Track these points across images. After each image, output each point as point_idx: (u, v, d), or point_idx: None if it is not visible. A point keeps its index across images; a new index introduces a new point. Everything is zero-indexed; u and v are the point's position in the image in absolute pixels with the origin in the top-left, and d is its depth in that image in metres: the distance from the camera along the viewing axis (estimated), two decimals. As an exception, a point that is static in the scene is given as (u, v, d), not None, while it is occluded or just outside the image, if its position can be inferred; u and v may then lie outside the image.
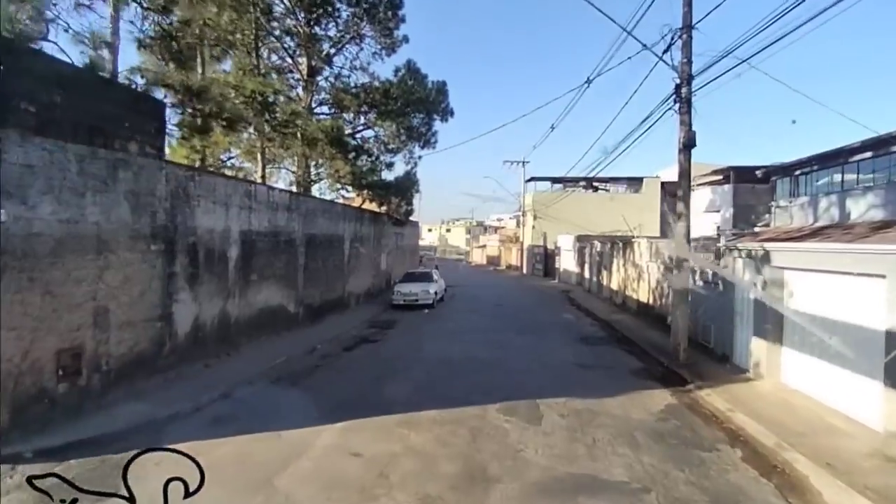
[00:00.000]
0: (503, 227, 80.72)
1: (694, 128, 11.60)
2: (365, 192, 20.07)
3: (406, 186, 22.32)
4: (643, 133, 13.01)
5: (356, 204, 22.54)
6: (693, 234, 26.46)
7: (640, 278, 18.01)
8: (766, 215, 29.73)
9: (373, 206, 22.87)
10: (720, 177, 37.93)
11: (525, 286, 32.85)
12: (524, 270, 45.80)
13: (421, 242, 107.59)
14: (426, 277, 21.31)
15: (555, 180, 46.09)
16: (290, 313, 13.74)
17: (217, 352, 10.21)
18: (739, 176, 32.40)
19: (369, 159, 20.72)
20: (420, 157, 23.20)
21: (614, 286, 21.85)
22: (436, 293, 20.51)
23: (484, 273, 50.71)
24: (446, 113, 21.89)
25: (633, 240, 19.88)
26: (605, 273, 23.93)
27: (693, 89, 11.43)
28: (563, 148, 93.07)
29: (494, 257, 68.88)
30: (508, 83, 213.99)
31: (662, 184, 46.44)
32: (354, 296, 19.35)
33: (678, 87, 11.49)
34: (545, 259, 41.81)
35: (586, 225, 37.84)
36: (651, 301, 16.80)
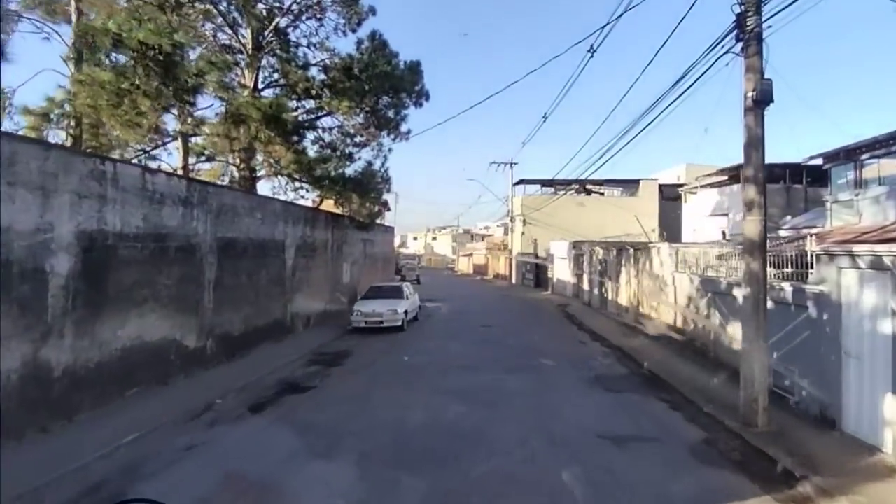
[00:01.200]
0: (490, 235, 77.15)
1: (763, 78, 7.87)
2: (320, 188, 16.13)
3: (371, 182, 18.37)
4: (682, 95, 9.24)
5: (323, 207, 18.61)
6: (698, 239, 21.71)
7: (661, 292, 14.31)
8: (788, 217, 26.39)
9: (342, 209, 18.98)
10: (725, 177, 34.78)
11: (515, 299, 29.05)
12: (513, 280, 42.09)
13: (405, 251, 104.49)
14: (395, 293, 17.39)
15: (545, 183, 42.53)
16: (188, 349, 9.73)
17: (22, 427, 6.22)
18: (753, 174, 29.03)
19: (325, 149, 16.85)
20: (391, 150, 19.39)
21: (623, 301, 18.14)
22: (406, 313, 16.59)
23: (470, 283, 46.85)
24: (420, 95, 18.05)
25: (651, 245, 16.20)
26: (610, 285, 20.23)
27: (764, 20, 7.76)
28: (553, 150, 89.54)
29: (481, 266, 65.11)
30: (499, 72, 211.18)
31: (660, 186, 43.21)
32: (303, 317, 15.37)
33: (741, 17, 7.81)
34: (536, 268, 38.13)
35: (580, 230, 34.30)
36: (679, 322, 13.08)
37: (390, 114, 17.41)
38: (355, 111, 15.91)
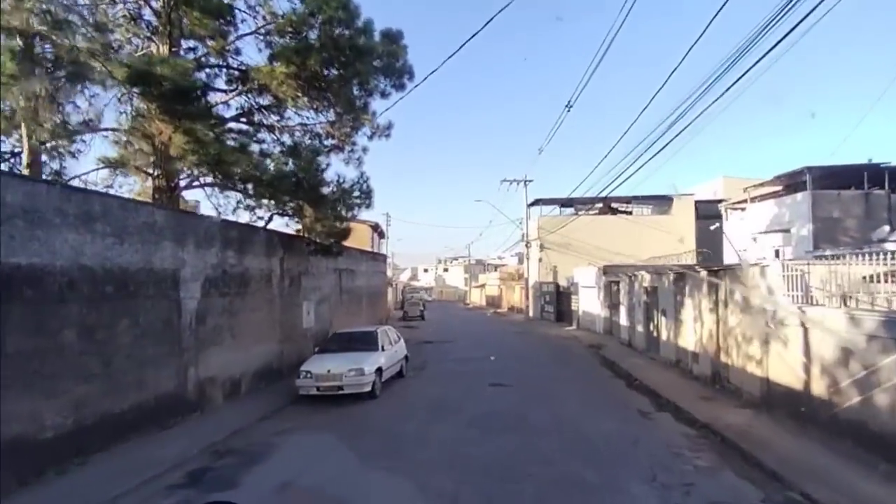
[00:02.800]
0: (504, 265, 72.03)
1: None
2: (246, 193, 11.40)
3: (340, 194, 13.51)
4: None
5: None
6: (746, 258, 14.57)
7: (769, 336, 9.06)
8: (886, 228, 21.00)
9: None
10: (779, 187, 29.67)
11: (535, 338, 23.72)
12: (530, 313, 36.74)
13: (415, 283, 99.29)
14: (366, 343, 12.18)
15: (564, 203, 37.50)
16: None
17: None
18: (823, 179, 23.91)
19: (284, 152, 12.17)
20: (365, 150, 14.69)
21: (688, 344, 12.86)
22: (381, 371, 11.46)
23: (481, 318, 41.49)
24: (402, 74, 13.42)
25: (740, 266, 11.03)
26: (663, 321, 14.96)
27: None
28: (569, 169, 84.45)
29: (494, 298, 59.77)
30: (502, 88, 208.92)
31: (696, 203, 38.03)
32: (223, 384, 10.37)
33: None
34: (557, 299, 32.80)
35: (605, 255, 29.19)
36: (817, 387, 7.80)
37: (357, 94, 12.75)
38: (301, 87, 11.19)
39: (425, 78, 14.97)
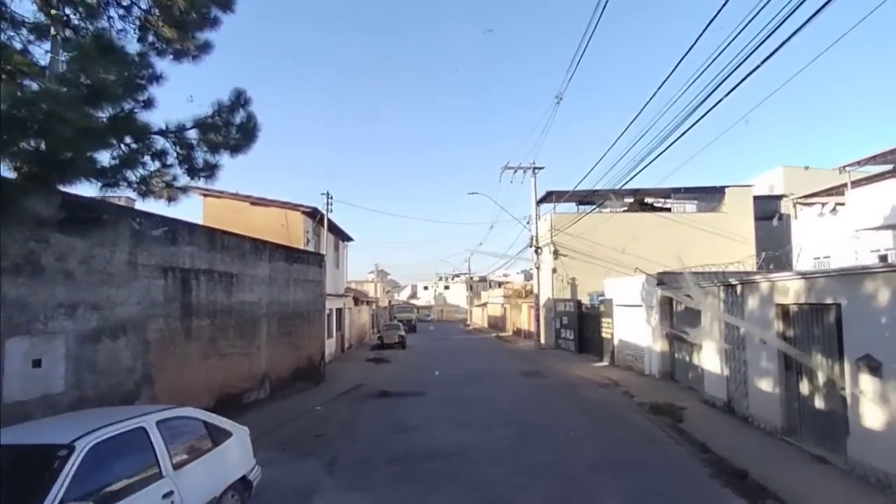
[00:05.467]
0: (509, 283, 63.49)
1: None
2: None
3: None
4: None
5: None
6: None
7: None
8: None
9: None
10: (890, 165, 21.42)
11: (555, 387, 15.04)
12: (542, 339, 28.17)
13: (415, 302, 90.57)
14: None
15: (583, 197, 28.93)
16: None
17: None
18: None
19: None
20: None
21: None
22: None
23: (479, 347, 32.84)
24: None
25: None
26: (868, 383, 6.48)
27: None
28: (583, 158, 74.58)
29: (498, 319, 51.14)
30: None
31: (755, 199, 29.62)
32: None
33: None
34: (580, 322, 24.22)
35: (635, 264, 20.74)
36: None
37: None
38: None
39: None
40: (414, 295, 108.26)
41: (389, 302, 65.16)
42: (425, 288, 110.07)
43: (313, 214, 17.91)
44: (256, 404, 11.14)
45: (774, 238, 28.62)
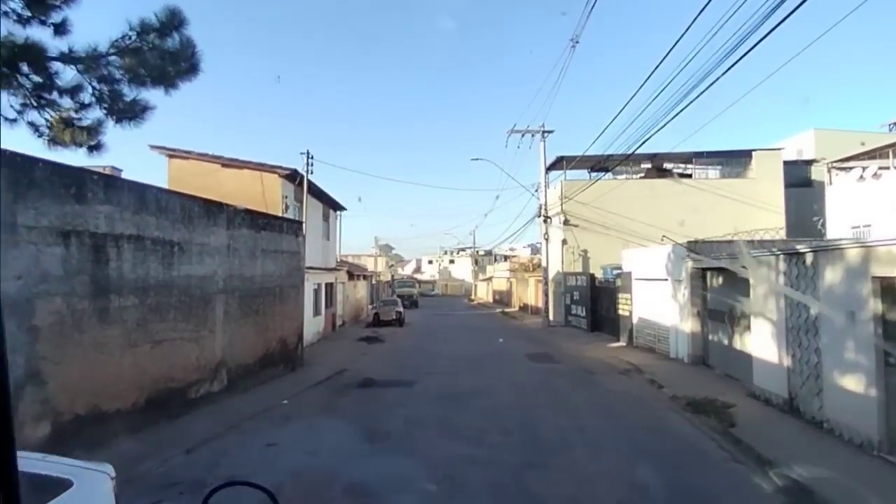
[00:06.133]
0: (515, 256, 61.26)
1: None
2: None
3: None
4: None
5: None
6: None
7: None
8: None
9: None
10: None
11: (568, 373, 13.00)
12: (550, 316, 26.09)
13: (419, 276, 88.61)
14: None
15: (596, 162, 26.29)
16: None
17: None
18: None
19: None
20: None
21: None
22: None
23: (482, 323, 30.91)
24: None
25: None
26: None
27: None
28: (598, 120, 70.56)
29: (503, 293, 49.21)
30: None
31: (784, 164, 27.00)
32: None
33: None
34: (593, 298, 22.09)
35: (655, 235, 18.46)
36: None
37: None
38: None
39: None
40: (418, 269, 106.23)
41: (392, 276, 63.24)
42: (430, 262, 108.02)
43: (293, 177, 15.67)
44: (207, 399, 9.16)
45: (806, 206, 26.23)
